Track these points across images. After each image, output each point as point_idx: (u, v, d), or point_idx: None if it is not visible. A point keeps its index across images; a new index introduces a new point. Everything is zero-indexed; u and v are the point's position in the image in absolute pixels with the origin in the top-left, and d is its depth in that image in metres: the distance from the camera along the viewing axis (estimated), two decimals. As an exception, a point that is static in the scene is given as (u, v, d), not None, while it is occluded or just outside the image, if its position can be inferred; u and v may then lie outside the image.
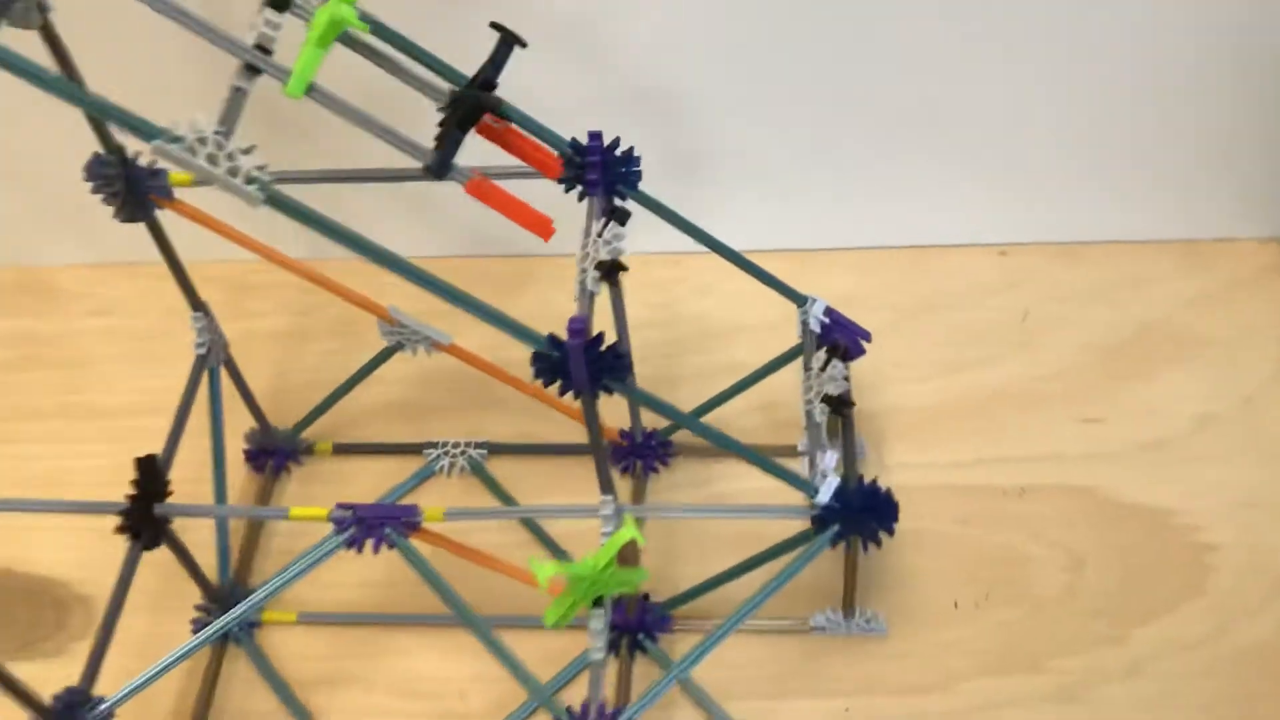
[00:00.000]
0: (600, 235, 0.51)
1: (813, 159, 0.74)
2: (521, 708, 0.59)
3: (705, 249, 0.78)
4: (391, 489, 0.69)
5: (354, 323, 0.78)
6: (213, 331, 0.63)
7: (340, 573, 0.61)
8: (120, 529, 0.56)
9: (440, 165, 0.43)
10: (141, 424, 0.64)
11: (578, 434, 0.66)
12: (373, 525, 0.55)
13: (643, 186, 0.53)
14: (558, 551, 0.65)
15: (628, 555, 0.58)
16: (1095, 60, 0.68)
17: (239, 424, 0.69)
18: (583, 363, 0.46)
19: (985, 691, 0.60)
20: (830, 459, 0.54)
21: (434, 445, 0.70)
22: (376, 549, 0.55)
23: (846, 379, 0.55)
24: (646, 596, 0.64)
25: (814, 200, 0.76)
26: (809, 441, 0.55)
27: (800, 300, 0.60)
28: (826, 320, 0.59)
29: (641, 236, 0.83)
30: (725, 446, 0.52)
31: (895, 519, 0.54)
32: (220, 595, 0.64)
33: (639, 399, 0.49)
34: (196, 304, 0.62)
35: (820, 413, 0.56)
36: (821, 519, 0.54)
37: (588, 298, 0.49)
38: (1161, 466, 0.67)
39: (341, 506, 0.55)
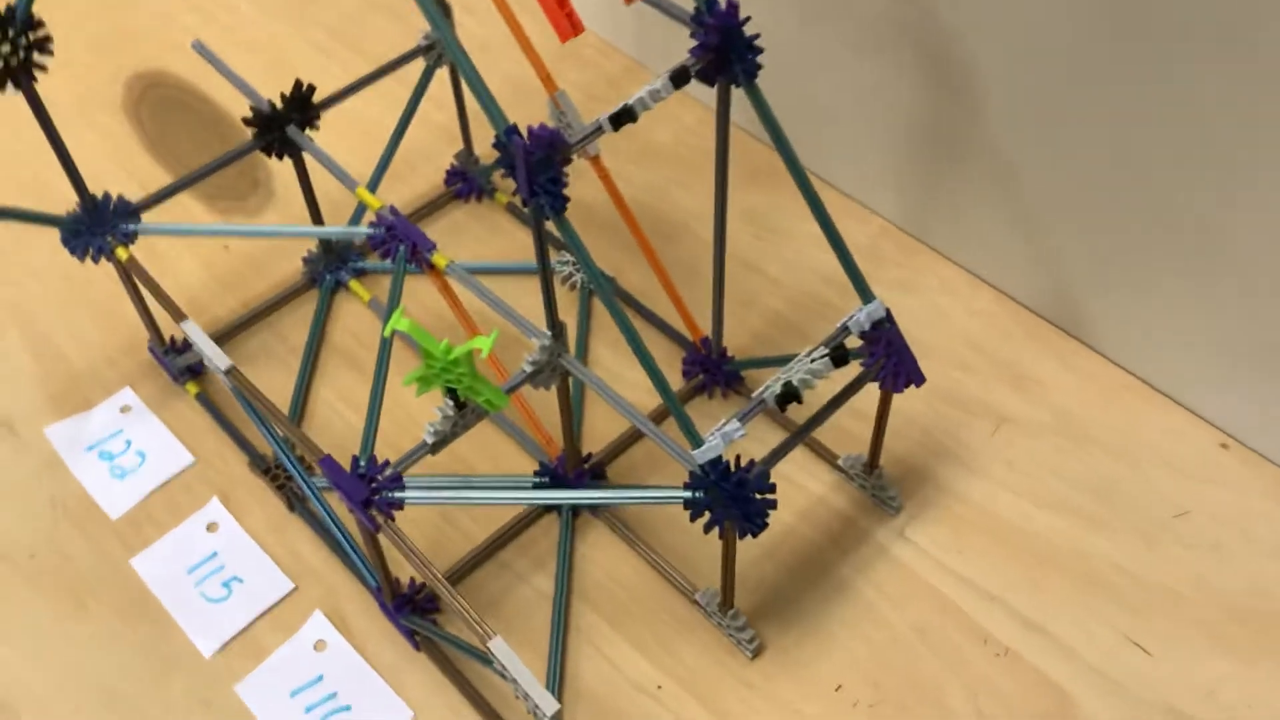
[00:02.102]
0: (654, 84, 0.49)
1: (1073, 224, 0.65)
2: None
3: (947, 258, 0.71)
4: (509, 260, 0.73)
5: (600, 99, 0.82)
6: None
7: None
8: (249, 120, 0.64)
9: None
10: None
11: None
12: (394, 237, 0.59)
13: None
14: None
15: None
16: None
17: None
18: (525, 166, 0.46)
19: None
20: (732, 428, 0.49)
21: (571, 251, 0.72)
22: (384, 255, 0.59)
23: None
24: (601, 473, 0.64)
25: (1062, 271, 0.67)
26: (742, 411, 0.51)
27: (868, 298, 0.54)
28: (867, 327, 0.53)
29: (884, 201, 0.77)
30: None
31: (759, 521, 0.49)
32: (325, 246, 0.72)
33: (568, 235, 0.48)
34: (444, 9, 0.68)
35: (771, 395, 0.51)
36: (695, 479, 0.50)
37: (589, 127, 0.49)
38: (1162, 738, 0.54)
39: (392, 210, 0.59)
